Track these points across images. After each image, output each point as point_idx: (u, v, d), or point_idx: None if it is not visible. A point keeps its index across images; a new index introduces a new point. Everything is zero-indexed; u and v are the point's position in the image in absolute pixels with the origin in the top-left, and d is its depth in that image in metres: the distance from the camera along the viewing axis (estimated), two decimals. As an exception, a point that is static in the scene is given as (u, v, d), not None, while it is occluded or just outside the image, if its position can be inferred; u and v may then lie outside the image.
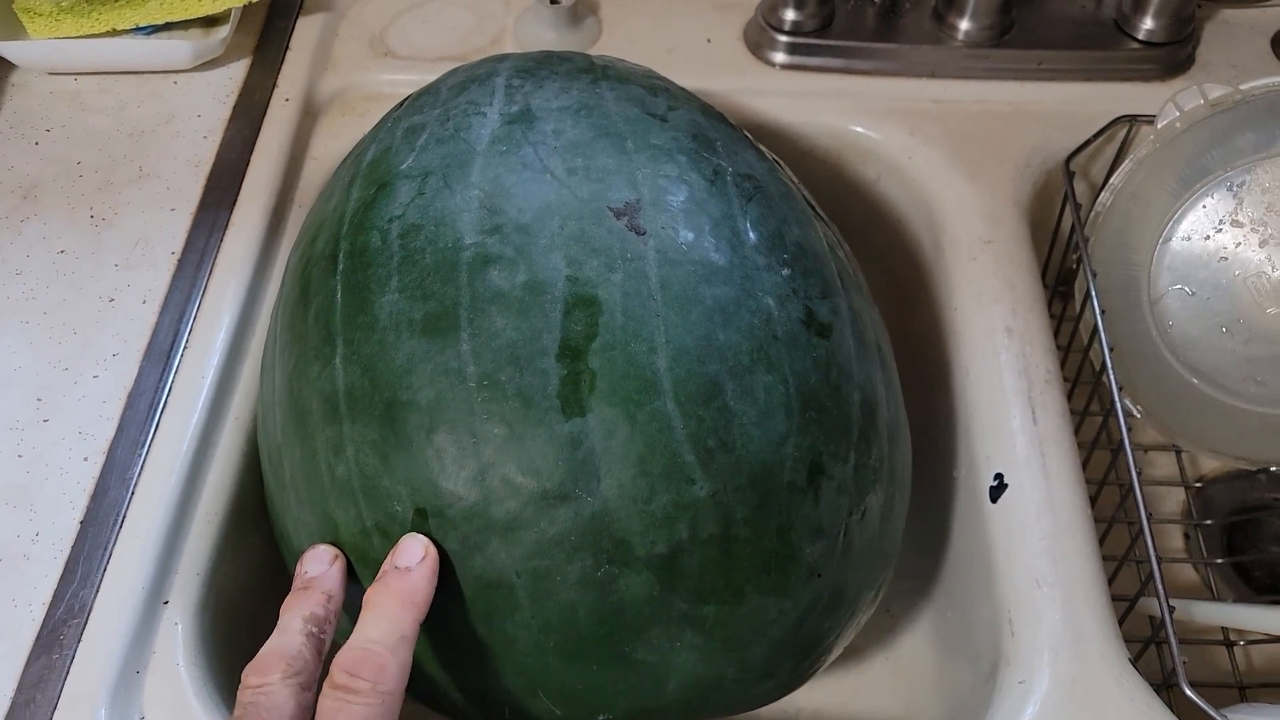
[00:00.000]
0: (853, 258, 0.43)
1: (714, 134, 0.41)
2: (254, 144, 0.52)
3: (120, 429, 0.42)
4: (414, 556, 0.32)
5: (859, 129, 0.54)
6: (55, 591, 0.38)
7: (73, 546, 0.39)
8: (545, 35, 0.57)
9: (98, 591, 0.38)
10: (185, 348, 0.44)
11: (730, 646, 0.33)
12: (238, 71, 0.55)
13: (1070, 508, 0.41)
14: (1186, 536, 0.54)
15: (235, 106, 0.54)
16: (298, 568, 0.35)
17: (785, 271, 0.37)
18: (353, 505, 0.34)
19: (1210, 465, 0.56)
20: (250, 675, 0.31)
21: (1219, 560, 0.52)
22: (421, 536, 0.33)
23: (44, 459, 0.41)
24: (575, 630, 0.32)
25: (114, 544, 0.39)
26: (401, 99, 0.45)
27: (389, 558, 0.32)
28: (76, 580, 0.38)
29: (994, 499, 0.42)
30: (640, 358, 0.33)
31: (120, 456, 0.41)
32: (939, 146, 0.53)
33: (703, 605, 0.33)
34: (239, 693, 0.31)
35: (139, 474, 0.41)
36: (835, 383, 0.36)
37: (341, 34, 0.58)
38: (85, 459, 0.41)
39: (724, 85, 0.55)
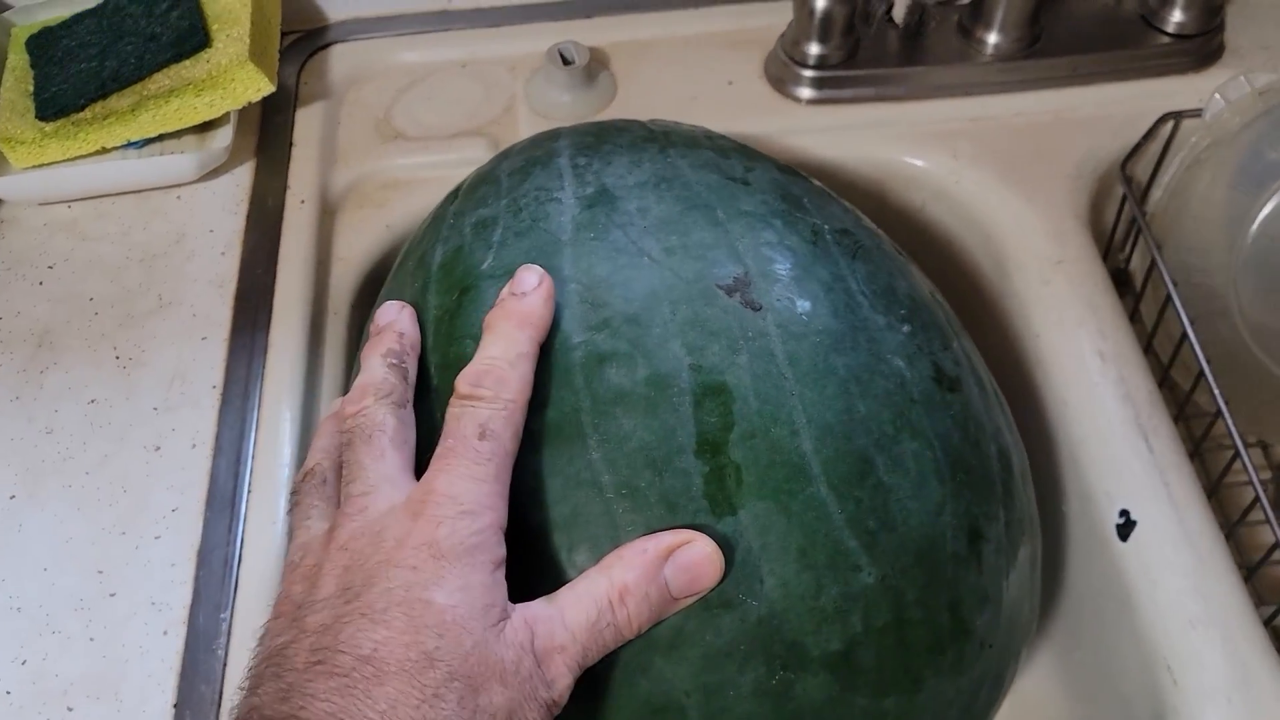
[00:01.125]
0: (944, 299, 0.41)
1: (798, 190, 0.39)
2: (276, 254, 0.49)
3: (197, 593, 0.39)
4: (529, 283, 0.33)
5: (900, 157, 0.53)
6: (162, 789, 0.35)
7: (171, 734, 0.36)
8: (560, 98, 0.54)
9: (208, 782, 0.35)
10: (250, 491, 0.41)
11: None
12: (243, 176, 0.52)
13: (1206, 537, 0.39)
14: None
15: (248, 215, 0.50)
16: (369, 328, 0.36)
17: (906, 328, 0.35)
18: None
19: (1289, 453, 0.55)
20: (346, 406, 0.32)
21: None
22: (537, 267, 0.33)
23: (119, 639, 0.38)
24: (755, 747, 0.30)
25: (216, 725, 0.36)
26: (454, 187, 0.43)
27: (506, 287, 0.33)
28: (182, 772, 0.35)
29: (1123, 537, 0.40)
30: (784, 442, 0.31)
31: (204, 625, 0.38)
32: (985, 166, 0.51)
33: (883, 699, 0.31)
34: (340, 423, 0.32)
35: (227, 641, 0.38)
36: (974, 438, 0.34)
37: (344, 121, 0.55)
38: (165, 633, 0.38)
39: (756, 128, 0.52)
